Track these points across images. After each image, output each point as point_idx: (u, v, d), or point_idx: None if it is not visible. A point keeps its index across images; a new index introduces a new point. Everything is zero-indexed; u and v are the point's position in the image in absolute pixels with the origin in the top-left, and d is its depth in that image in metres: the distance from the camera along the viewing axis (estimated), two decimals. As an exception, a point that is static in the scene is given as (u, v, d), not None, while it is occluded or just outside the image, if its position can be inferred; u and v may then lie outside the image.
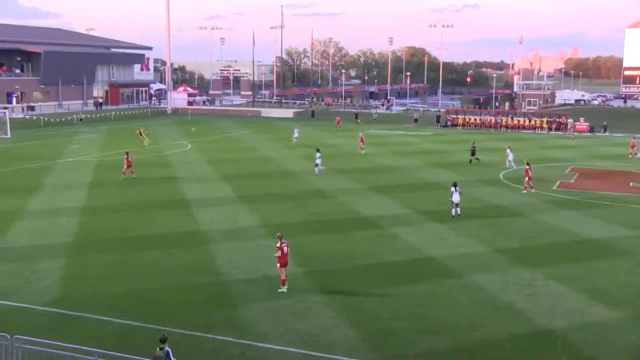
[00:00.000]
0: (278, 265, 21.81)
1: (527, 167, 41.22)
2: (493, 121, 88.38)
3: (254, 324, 18.96)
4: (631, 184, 44.30)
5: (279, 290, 21.62)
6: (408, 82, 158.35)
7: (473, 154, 53.46)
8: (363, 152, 58.75)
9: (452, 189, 33.48)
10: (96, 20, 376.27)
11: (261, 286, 22.17)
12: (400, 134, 78.70)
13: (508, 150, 51.03)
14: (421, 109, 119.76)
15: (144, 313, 19.55)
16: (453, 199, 33.21)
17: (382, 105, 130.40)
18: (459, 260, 25.55)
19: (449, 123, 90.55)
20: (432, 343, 17.92)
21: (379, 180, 44.05)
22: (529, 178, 40.85)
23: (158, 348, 14.16)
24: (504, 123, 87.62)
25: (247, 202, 35.98)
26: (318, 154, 46.96)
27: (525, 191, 40.32)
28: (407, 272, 24.11)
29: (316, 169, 46.43)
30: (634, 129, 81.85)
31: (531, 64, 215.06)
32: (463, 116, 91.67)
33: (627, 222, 32.50)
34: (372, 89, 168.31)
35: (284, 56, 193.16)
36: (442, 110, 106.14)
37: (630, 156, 58.28)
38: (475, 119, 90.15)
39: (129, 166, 43.60)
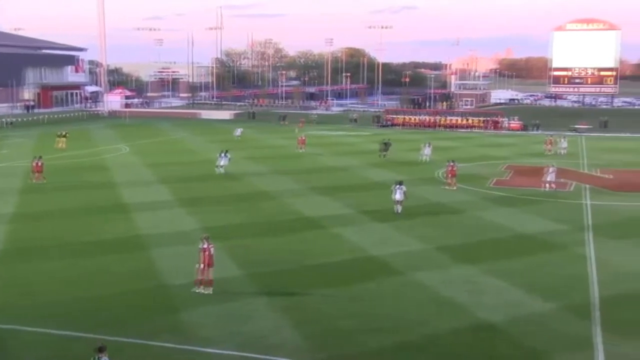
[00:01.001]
0: (201, 266, 21.46)
1: (451, 165, 41.81)
2: (431, 121, 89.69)
3: (198, 329, 18.59)
4: (561, 179, 45.47)
5: (195, 290, 21.32)
6: (347, 82, 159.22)
7: (384, 149, 55.43)
8: (302, 151, 59.07)
9: (395, 186, 33.90)
10: (24, 19, 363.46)
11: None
12: (340, 135, 78.98)
13: (427, 146, 54.98)
14: (360, 110, 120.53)
15: (85, 322, 18.92)
16: (395, 197, 33.58)
17: (320, 105, 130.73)
18: (402, 258, 25.66)
19: (388, 123, 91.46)
20: (378, 341, 17.90)
21: (322, 181, 44.05)
22: (452, 175, 41.43)
23: (93, 359, 13.65)
24: (441, 122, 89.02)
25: (188, 205, 35.42)
26: (223, 155, 46.76)
27: (446, 187, 41.07)
28: (351, 271, 24.08)
29: (217, 169, 46.36)
30: (562, 127, 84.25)
31: (467, 64, 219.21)
32: (402, 116, 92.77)
33: (559, 217, 33.31)
34: (312, 89, 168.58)
35: (223, 57, 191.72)
36: (381, 110, 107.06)
37: (547, 152, 60.08)
38: (413, 119, 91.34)
39: (37, 171, 42.16)
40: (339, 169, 50.04)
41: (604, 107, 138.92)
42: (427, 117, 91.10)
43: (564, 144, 62.22)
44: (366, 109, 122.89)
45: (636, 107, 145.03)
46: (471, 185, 42.54)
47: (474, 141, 72.25)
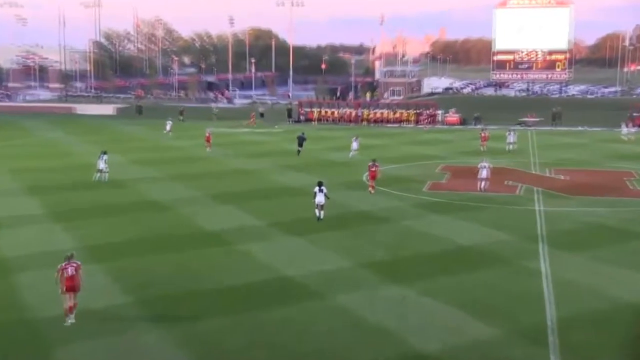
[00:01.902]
0: (61, 289, 21.24)
1: (373, 165, 42.81)
2: (353, 114, 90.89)
3: (74, 370, 18.32)
4: (507, 181, 46.95)
5: (65, 324, 21.05)
6: (253, 70, 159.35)
7: (300, 144, 57.88)
8: (209, 151, 60.30)
9: (316, 189, 34.71)
10: None
11: (82, 322, 21.40)
12: (246, 132, 79.04)
13: (354, 140, 58.23)
14: (269, 102, 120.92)
15: None
16: (316, 200, 34.43)
17: (216, 97, 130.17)
18: (320, 278, 25.93)
19: (302, 118, 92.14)
20: (293, 377, 18.07)
21: (226, 187, 44.05)
22: (372, 178, 42.55)
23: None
24: (365, 116, 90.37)
25: (62, 220, 34.72)
26: (102, 157, 46.46)
27: (372, 191, 42.11)
28: (260, 295, 24.17)
29: (97, 174, 46.13)
30: (508, 120, 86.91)
31: (394, 47, 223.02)
32: (318, 109, 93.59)
33: (506, 226, 34.32)
34: (211, 78, 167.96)
35: (102, 40, 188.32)
36: (293, 102, 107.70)
37: (482, 149, 62.30)
38: (332, 113, 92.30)
39: None
40: (246, 172, 50.14)
41: (556, 96, 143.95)
42: (349, 110, 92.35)
43: (511, 138, 64.40)
44: (276, 101, 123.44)
45: (593, 96, 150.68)
46: (402, 189, 43.37)
47: (405, 138, 73.68)
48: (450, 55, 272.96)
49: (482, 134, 64.58)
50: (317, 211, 34.82)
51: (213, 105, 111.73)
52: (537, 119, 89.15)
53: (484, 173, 43.46)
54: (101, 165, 46.12)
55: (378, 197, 41.17)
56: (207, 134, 62.52)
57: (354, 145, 58.39)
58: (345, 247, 30.22)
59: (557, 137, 75.25)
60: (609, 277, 26.36)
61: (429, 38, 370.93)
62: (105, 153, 46.81)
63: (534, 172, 51.97)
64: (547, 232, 33.09)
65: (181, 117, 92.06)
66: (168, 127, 75.51)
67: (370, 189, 42.60)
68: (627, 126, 77.45)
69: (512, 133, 65.57)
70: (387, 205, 38.87)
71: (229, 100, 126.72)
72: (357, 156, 56.16)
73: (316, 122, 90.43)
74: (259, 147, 64.50)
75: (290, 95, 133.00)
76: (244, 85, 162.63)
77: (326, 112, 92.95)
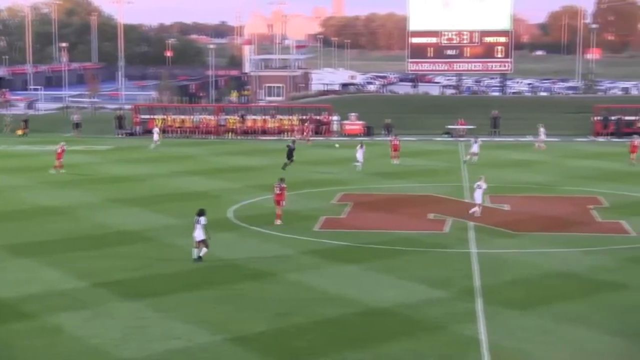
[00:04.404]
0: None
1: (279, 187, 44.62)
2: (213, 123, 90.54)
3: None
4: (431, 215, 47.90)
5: None
6: (65, 59, 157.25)
7: (289, 156, 61.72)
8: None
9: (195, 218, 36.48)
10: None
11: None
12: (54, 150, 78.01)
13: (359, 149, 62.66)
14: (89, 106, 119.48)
15: None
16: (194, 235, 36.45)
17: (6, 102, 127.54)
18: (171, 360, 25.94)
19: (139, 129, 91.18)
20: None
21: (24, 232, 43.56)
22: (278, 204, 44.64)
23: None
24: (230, 125, 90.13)
25: None
26: None
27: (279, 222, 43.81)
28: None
29: None
30: (430, 128, 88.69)
31: (270, 27, 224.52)
32: (162, 116, 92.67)
33: (427, 277, 35.04)
34: (0, 72, 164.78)
35: None
36: (126, 107, 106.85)
37: (394, 162, 65.75)
38: (183, 121, 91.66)
39: None
40: (54, 210, 49.59)
41: (496, 94, 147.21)
42: (207, 118, 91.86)
43: (475, 148, 67.85)
44: (100, 106, 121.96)
45: (545, 93, 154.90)
46: (286, 229, 43.69)
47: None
48: (350, 38, 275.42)
49: (393, 143, 66.39)
50: (194, 250, 36.36)
51: (5, 112, 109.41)
52: (469, 126, 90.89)
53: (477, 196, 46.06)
54: None
55: (254, 242, 41.25)
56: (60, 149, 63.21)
57: (359, 155, 63.31)
58: (207, 315, 30.18)
59: (498, 151, 77.00)
60: (572, 344, 27.21)
61: (319, 13, 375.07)
62: None
63: (466, 200, 53.08)
64: (485, 285, 33.84)
65: None
66: (156, 138, 79.24)
67: (278, 219, 44.67)
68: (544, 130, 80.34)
69: (476, 142, 68.97)
70: (266, 253, 39.04)
71: (30, 105, 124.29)
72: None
73: (160, 134, 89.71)
74: (74, 172, 63.33)
75: (122, 96, 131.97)
76: (52, 82, 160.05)
77: (174, 120, 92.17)
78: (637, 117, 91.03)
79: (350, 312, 30.57)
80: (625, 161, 68.67)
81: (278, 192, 44.96)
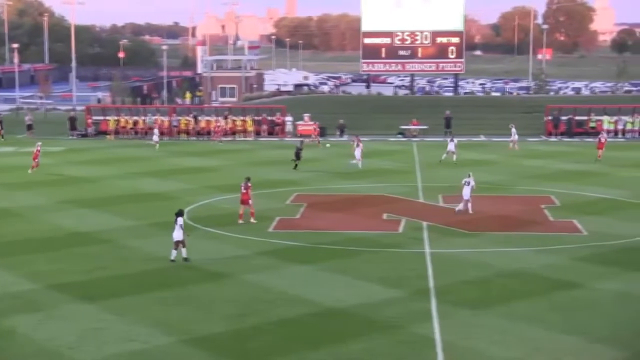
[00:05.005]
0: None
1: (245, 186, 44.77)
2: (166, 124, 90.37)
3: None
4: (385, 215, 48.03)
5: None
6: (16, 60, 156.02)
7: (297, 156, 62.91)
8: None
9: (177, 220, 36.91)
10: None
11: None
12: (9, 152, 77.38)
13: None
14: (41, 108, 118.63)
15: None
16: (173, 235, 36.43)
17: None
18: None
19: (92, 130, 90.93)
20: None
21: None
22: (243, 203, 45.12)
23: None
24: (183, 126, 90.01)
25: None
26: None
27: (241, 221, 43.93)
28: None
29: None
30: (384, 129, 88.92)
31: (223, 27, 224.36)
32: (116, 118, 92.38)
33: (381, 277, 35.15)
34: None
35: None
36: (79, 108, 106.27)
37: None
38: (136, 122, 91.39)
39: None
40: (4, 212, 49.23)
41: (450, 94, 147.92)
42: (160, 119, 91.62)
43: (452, 146, 68.64)
44: (52, 107, 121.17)
45: (498, 93, 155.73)
46: (240, 230, 43.71)
47: (242, 157, 74.10)
48: (303, 38, 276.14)
49: (354, 144, 67.03)
50: (173, 251, 36.62)
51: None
52: (421, 127, 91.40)
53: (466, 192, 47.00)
54: None
55: (209, 243, 41.22)
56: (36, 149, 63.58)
57: (357, 153, 64.71)
58: (163, 317, 30.06)
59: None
60: (526, 343, 27.41)
61: (272, 14, 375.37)
62: None
63: (420, 200, 53.39)
64: (440, 284, 34.01)
65: None
66: (156, 138, 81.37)
67: (252, 217, 45.36)
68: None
69: (452, 140, 70.10)
70: (222, 254, 39.00)
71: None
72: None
73: (113, 135, 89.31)
74: (24, 175, 62.92)
75: (74, 97, 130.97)
76: (3, 83, 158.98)
77: (127, 121, 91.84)
78: (589, 117, 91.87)
79: (306, 313, 30.62)
80: (580, 161, 70.36)
81: (244, 191, 44.99)
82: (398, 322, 29.43)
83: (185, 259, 36.92)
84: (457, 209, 47.93)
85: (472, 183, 48.14)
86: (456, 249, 40.11)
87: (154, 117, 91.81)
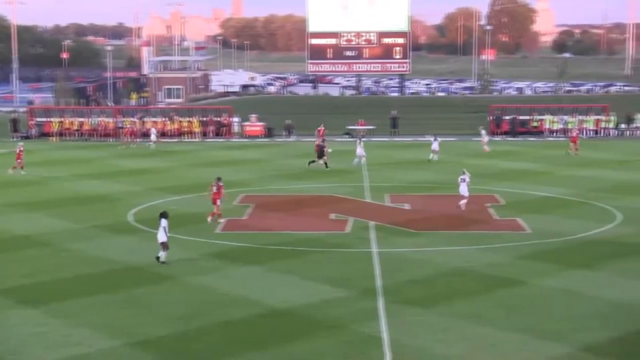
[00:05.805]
0: None
1: (217, 185, 44.90)
2: (111, 125, 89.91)
3: None
4: (333, 215, 47.99)
5: None
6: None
7: (321, 155, 64.11)
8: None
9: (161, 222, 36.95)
10: None
11: None
12: None
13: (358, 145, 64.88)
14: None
15: None
16: (157, 237, 37.02)
17: None
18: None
19: (34, 131, 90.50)
20: None
21: None
22: (214, 202, 45.01)
23: None
24: (126, 129, 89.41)
25: None
26: None
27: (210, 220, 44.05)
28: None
29: None
30: (332, 128, 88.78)
31: (169, 28, 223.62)
32: (59, 119, 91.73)
33: (328, 277, 35.11)
34: None
35: None
36: (21, 110, 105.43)
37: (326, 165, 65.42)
38: (81, 124, 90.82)
39: None
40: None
41: (395, 95, 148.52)
42: (105, 120, 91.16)
43: (436, 145, 69.98)
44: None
45: (443, 94, 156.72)
46: (186, 232, 43.46)
47: (188, 158, 73.86)
48: (249, 39, 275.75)
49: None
50: (161, 252, 36.68)
51: None
52: (368, 127, 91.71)
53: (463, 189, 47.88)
54: None
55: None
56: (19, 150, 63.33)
57: (359, 150, 66.67)
58: (107, 320, 29.80)
59: (397, 152, 77.91)
60: (471, 340, 27.53)
61: (218, 15, 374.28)
62: None
63: (367, 200, 53.44)
64: (387, 283, 34.05)
65: None
66: (153, 137, 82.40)
67: (210, 216, 45.61)
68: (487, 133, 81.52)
69: (436, 140, 71.17)
70: (168, 256, 38.54)
71: None
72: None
73: (56, 137, 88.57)
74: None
75: (16, 98, 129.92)
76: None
77: (71, 122, 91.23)
78: (531, 117, 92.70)
79: (253, 314, 30.50)
80: (524, 160, 71.90)
81: (215, 190, 45.12)
82: (345, 322, 29.42)
83: (158, 258, 36.78)
84: (461, 205, 48.65)
85: (468, 179, 48.67)
86: (403, 248, 40.19)
87: (98, 119, 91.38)
